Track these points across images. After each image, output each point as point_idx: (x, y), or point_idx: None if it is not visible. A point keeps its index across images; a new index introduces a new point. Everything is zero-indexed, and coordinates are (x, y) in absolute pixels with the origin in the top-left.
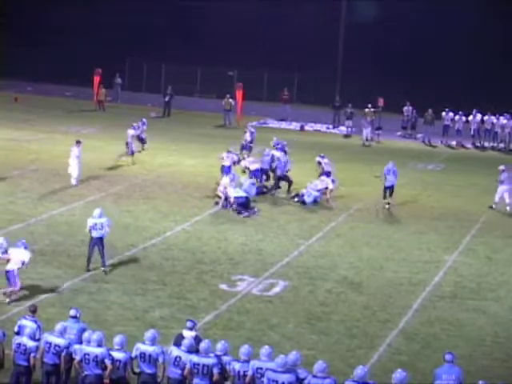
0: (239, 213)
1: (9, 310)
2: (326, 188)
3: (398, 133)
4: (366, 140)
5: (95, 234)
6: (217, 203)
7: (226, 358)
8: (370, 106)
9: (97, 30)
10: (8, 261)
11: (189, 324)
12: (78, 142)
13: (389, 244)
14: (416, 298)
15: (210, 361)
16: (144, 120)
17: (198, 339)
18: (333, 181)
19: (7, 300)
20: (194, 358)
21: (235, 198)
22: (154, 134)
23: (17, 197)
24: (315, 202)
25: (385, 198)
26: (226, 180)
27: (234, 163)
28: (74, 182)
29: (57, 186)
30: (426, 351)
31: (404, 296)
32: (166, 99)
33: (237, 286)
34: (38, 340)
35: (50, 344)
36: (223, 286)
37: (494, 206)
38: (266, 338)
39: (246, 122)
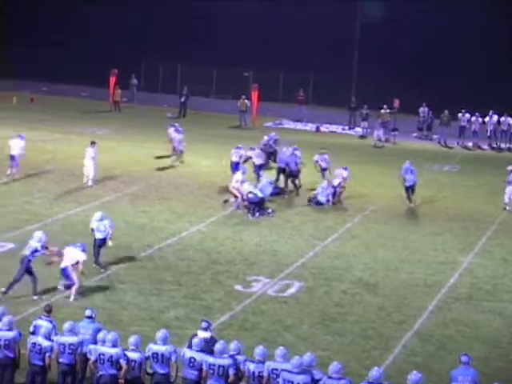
0: (252, 213)
1: (24, 310)
2: (343, 178)
3: (414, 134)
4: (379, 141)
5: (98, 235)
6: (226, 201)
7: (239, 358)
8: (385, 107)
9: (112, 31)
10: (62, 258)
11: (204, 324)
12: (93, 143)
13: (404, 245)
14: (431, 299)
15: (226, 361)
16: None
17: (212, 340)
18: (345, 168)
19: (72, 297)
20: (210, 359)
21: (247, 196)
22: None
23: (33, 197)
24: (328, 201)
25: (409, 198)
26: (238, 175)
27: (241, 157)
28: (90, 182)
29: (72, 186)
30: (441, 353)
31: (419, 297)
32: (182, 100)
33: (252, 287)
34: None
35: (64, 344)
36: (238, 287)
37: (507, 207)
38: (281, 338)
39: (261, 122)
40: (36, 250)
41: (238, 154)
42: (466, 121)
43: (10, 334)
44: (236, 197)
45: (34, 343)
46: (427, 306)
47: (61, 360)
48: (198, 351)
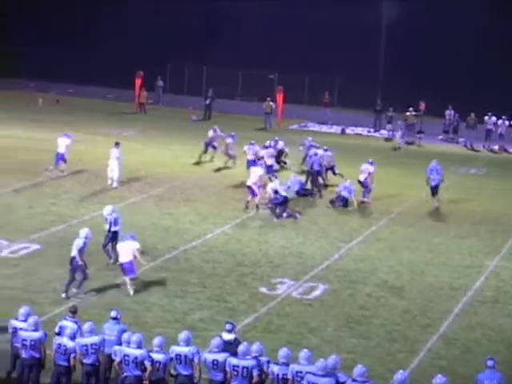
0: (277, 215)
1: (50, 311)
2: (369, 174)
3: (440, 136)
4: (398, 144)
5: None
6: (247, 207)
7: (262, 359)
8: (411, 109)
9: (138, 33)
10: (118, 255)
11: (228, 326)
12: (117, 144)
13: (429, 248)
14: (457, 302)
15: (250, 363)
16: (233, 134)
17: (237, 342)
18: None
19: (132, 292)
20: (233, 361)
21: (270, 198)
22: (194, 136)
23: (59, 198)
24: (350, 195)
25: (433, 197)
26: (259, 170)
27: (256, 154)
28: (114, 184)
29: (98, 188)
30: (467, 356)
31: (445, 300)
32: (207, 102)
33: (277, 289)
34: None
35: (87, 345)
36: (263, 289)
37: None
38: (306, 341)
39: (286, 124)
40: (82, 248)
41: (253, 151)
42: (492, 124)
43: (36, 335)
44: (254, 194)
45: (60, 344)
46: (453, 310)
47: (84, 361)
48: (218, 352)
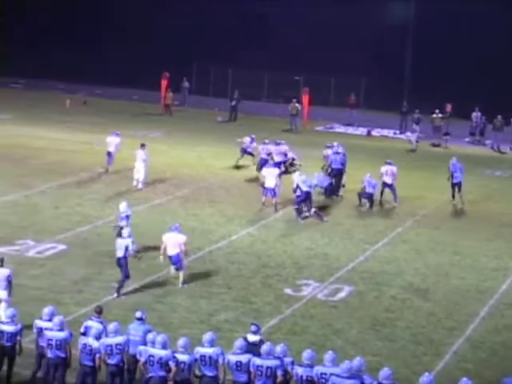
0: (303, 212)
1: (75, 311)
2: (393, 175)
3: (466, 139)
4: (412, 145)
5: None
6: (276, 210)
7: (286, 360)
8: (437, 111)
9: (164, 34)
10: (165, 247)
11: (253, 328)
12: (143, 145)
13: (455, 250)
14: (483, 305)
15: (274, 362)
16: (253, 136)
17: (262, 343)
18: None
19: (181, 285)
20: (257, 361)
21: (295, 197)
22: (219, 138)
23: (85, 199)
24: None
25: (453, 196)
26: (275, 171)
27: (269, 154)
28: (140, 185)
29: (123, 189)
30: (493, 359)
31: (471, 303)
32: (233, 104)
33: (302, 291)
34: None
35: (111, 345)
36: (288, 291)
37: None
38: (330, 343)
39: (312, 126)
40: (127, 247)
41: (266, 150)
42: None
43: (62, 335)
44: (275, 194)
45: (85, 344)
46: (479, 312)
47: (109, 361)
48: (242, 354)
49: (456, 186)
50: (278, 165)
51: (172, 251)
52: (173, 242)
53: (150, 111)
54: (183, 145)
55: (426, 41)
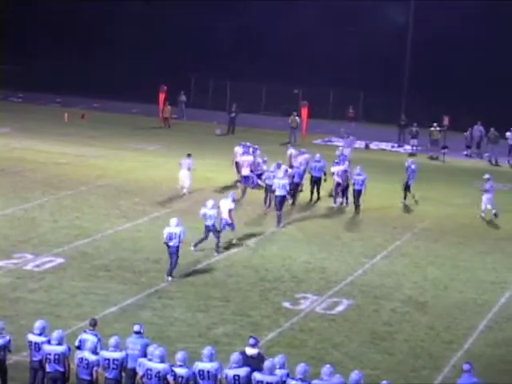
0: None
1: (74, 325)
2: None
3: (464, 152)
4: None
5: (171, 243)
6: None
7: (282, 371)
8: (435, 124)
9: (163, 47)
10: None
11: (251, 341)
12: (189, 155)
13: (453, 264)
14: (482, 318)
15: (274, 379)
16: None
17: (260, 356)
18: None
19: (235, 240)
20: (258, 376)
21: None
22: (218, 150)
23: (83, 212)
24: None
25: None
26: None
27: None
28: (185, 191)
29: (122, 202)
30: (492, 373)
31: (469, 317)
32: (232, 116)
33: (300, 304)
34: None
35: (109, 360)
36: (286, 304)
37: (482, 214)
38: (329, 356)
39: (310, 139)
40: (180, 236)
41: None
42: None
43: (60, 349)
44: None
45: (81, 358)
46: (477, 326)
47: (106, 375)
48: (239, 367)
49: (410, 187)
50: (246, 178)
51: (224, 215)
52: (224, 208)
53: (149, 124)
54: (182, 158)
55: (424, 54)
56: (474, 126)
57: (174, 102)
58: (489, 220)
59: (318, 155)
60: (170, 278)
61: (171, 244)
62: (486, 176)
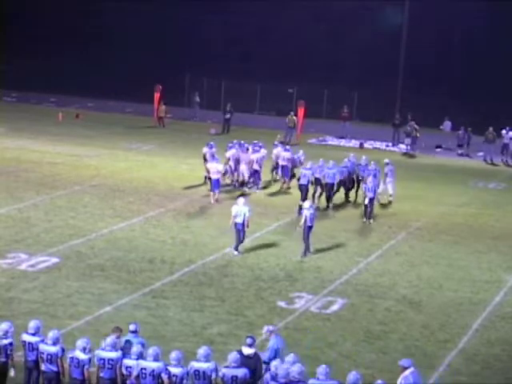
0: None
1: (68, 324)
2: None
3: (459, 151)
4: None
5: (238, 220)
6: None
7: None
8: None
9: (157, 46)
10: (209, 172)
11: (248, 341)
12: (247, 149)
13: (448, 263)
14: (476, 318)
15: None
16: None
17: (256, 356)
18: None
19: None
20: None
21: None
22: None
23: (78, 212)
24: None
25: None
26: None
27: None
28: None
29: (117, 202)
30: (487, 372)
31: (464, 316)
32: (226, 116)
33: (295, 304)
34: (90, 352)
35: (104, 359)
36: (281, 303)
37: (391, 198)
38: (324, 356)
39: (305, 139)
40: (245, 214)
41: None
42: (509, 138)
43: (53, 349)
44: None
45: (72, 357)
46: (472, 325)
47: (101, 375)
48: (237, 367)
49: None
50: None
51: (213, 176)
52: (214, 170)
53: (144, 124)
54: (176, 157)
55: (419, 53)
56: (459, 131)
57: (169, 102)
58: (384, 203)
59: (331, 162)
60: (236, 253)
61: (237, 221)
62: (386, 160)
